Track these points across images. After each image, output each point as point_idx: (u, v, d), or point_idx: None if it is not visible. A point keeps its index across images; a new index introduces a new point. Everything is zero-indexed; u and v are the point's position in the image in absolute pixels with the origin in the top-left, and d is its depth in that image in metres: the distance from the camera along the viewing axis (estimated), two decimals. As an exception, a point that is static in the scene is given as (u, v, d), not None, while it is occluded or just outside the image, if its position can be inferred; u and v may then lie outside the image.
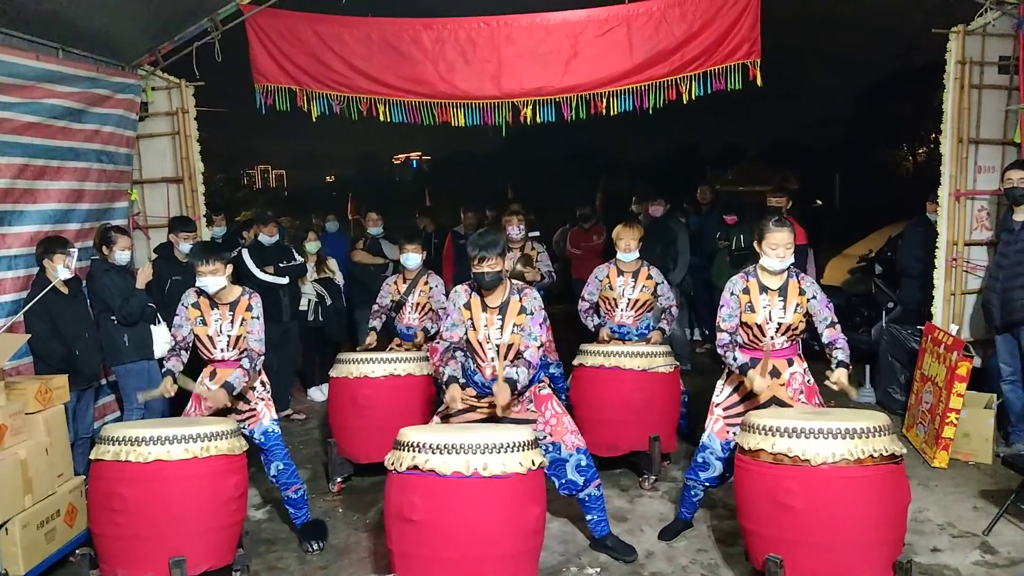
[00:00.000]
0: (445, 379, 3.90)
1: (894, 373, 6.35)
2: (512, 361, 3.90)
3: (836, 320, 3.96)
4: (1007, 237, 5.28)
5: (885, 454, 3.28)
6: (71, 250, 4.69)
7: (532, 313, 3.90)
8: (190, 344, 4.31)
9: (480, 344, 3.94)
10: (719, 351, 4.02)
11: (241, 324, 4.26)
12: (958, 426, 5.12)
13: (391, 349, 5.76)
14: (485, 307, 3.94)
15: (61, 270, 4.64)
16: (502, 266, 3.87)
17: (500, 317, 3.91)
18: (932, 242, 6.29)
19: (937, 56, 6.05)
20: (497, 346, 3.91)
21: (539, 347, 3.89)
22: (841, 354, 3.87)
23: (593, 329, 5.53)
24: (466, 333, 3.97)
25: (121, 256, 5.22)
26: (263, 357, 4.29)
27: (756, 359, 3.98)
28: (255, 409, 4.30)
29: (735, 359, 3.94)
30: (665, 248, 7.44)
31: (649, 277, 5.39)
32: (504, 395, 3.73)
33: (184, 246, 5.84)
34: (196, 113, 6.57)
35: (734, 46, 6.13)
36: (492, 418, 3.92)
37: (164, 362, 4.34)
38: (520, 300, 3.92)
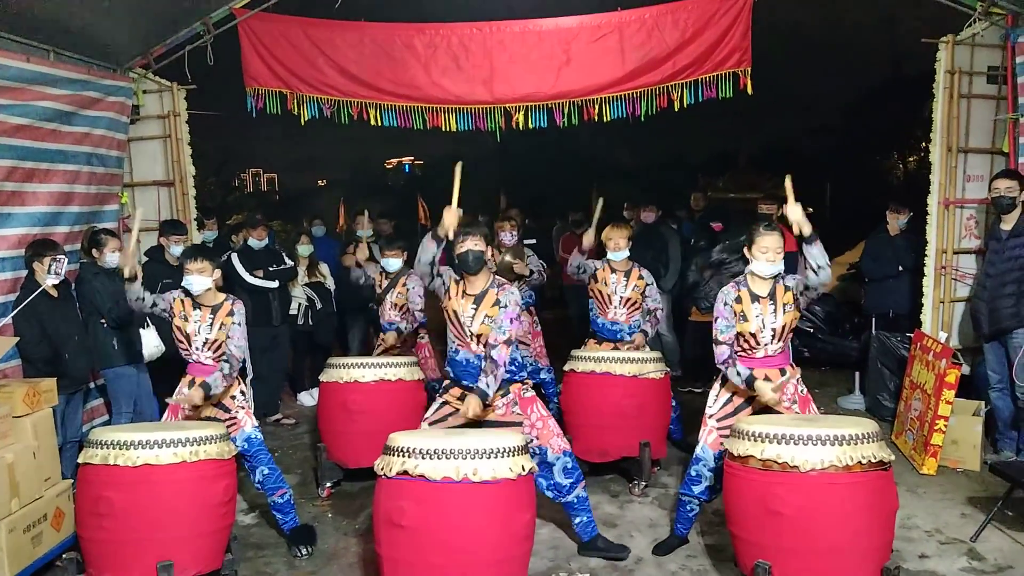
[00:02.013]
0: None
1: (883, 380, 6.38)
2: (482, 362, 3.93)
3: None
4: (995, 246, 5.31)
5: (874, 461, 3.29)
6: (60, 257, 4.66)
7: (506, 307, 3.91)
8: (158, 308, 4.26)
9: (462, 326, 3.98)
10: (720, 366, 3.97)
11: (220, 328, 4.24)
12: (946, 433, 5.14)
13: (379, 344, 5.81)
14: (464, 294, 3.98)
15: (50, 275, 4.61)
16: (485, 249, 3.93)
17: (474, 306, 3.94)
18: (891, 247, 6.37)
19: (927, 66, 6.10)
20: (471, 333, 3.95)
21: (507, 343, 3.87)
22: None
23: (578, 268, 5.43)
24: (444, 306, 4.01)
25: (111, 258, 5.20)
26: (242, 364, 4.26)
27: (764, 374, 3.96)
28: (235, 417, 4.27)
29: (738, 374, 3.88)
30: (657, 254, 7.46)
31: (640, 277, 5.41)
32: (474, 408, 3.79)
33: (175, 249, 5.82)
34: (188, 116, 6.56)
35: (725, 54, 6.17)
36: (480, 421, 3.93)
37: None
38: (497, 293, 3.94)
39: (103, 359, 5.18)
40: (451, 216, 3.88)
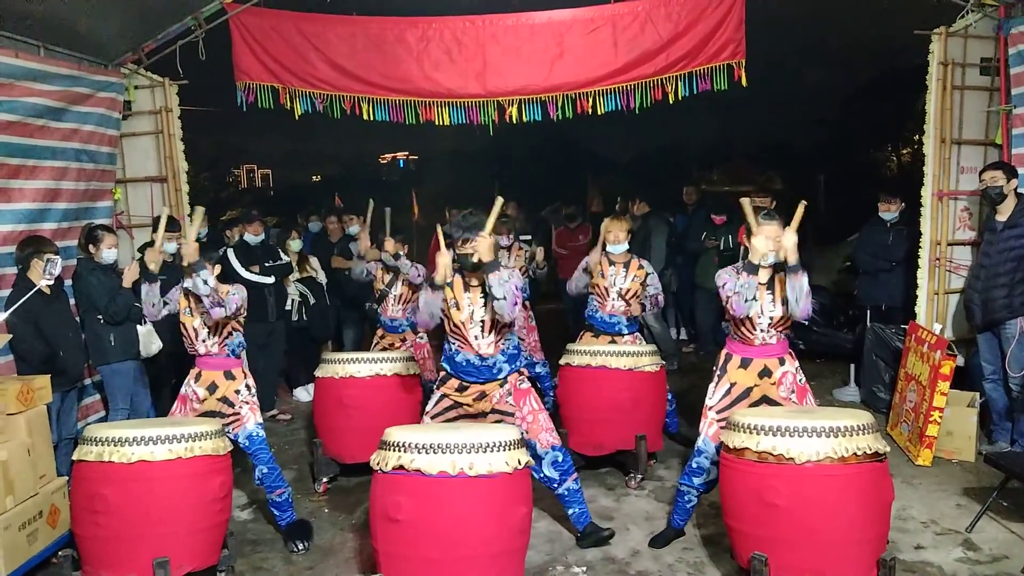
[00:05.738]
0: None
1: (878, 372, 6.39)
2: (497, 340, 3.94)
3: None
4: (990, 237, 5.32)
5: (869, 452, 3.31)
6: (54, 256, 4.63)
7: (508, 280, 3.84)
8: (170, 307, 4.32)
9: (463, 324, 3.95)
10: (738, 314, 3.88)
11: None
12: (941, 424, 5.16)
13: (377, 341, 5.76)
14: (468, 287, 3.96)
15: (45, 276, 4.58)
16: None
17: (483, 296, 3.93)
18: (884, 239, 6.37)
19: (920, 58, 6.10)
20: (482, 322, 3.93)
21: (514, 303, 3.82)
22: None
23: (581, 288, 5.49)
24: (447, 314, 3.97)
25: (108, 254, 5.19)
26: (223, 308, 4.14)
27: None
28: (239, 413, 4.27)
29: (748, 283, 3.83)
30: (642, 244, 7.48)
31: (640, 267, 5.41)
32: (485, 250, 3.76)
33: (168, 246, 5.79)
34: (180, 112, 6.53)
35: (719, 47, 6.16)
36: (476, 413, 3.94)
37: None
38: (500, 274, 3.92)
39: (100, 355, 5.17)
40: (446, 260, 3.87)
